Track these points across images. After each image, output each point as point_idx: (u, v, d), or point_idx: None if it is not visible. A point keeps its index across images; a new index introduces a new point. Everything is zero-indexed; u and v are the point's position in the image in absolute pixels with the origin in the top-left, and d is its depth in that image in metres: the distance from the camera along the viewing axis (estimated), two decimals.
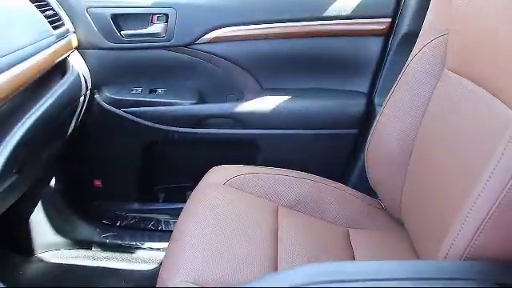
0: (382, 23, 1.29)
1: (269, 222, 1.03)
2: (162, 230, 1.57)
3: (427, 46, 1.02)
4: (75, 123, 1.32)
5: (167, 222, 1.57)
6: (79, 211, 1.55)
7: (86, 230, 1.53)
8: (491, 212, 0.60)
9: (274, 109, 1.37)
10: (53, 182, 1.45)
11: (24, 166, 1.06)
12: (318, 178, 1.18)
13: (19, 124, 1.01)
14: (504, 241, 0.62)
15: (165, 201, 1.61)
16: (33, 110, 1.07)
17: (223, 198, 1.07)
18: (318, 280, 0.61)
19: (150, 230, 1.57)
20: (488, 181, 0.61)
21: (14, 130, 0.99)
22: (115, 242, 1.51)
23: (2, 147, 0.93)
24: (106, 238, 1.52)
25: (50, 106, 1.12)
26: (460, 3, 0.90)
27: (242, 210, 1.04)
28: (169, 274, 0.88)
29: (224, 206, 1.04)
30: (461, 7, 0.90)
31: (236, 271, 0.86)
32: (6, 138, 0.96)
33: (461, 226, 0.64)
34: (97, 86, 1.36)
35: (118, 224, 1.58)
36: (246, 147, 1.44)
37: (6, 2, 1.11)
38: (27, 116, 1.04)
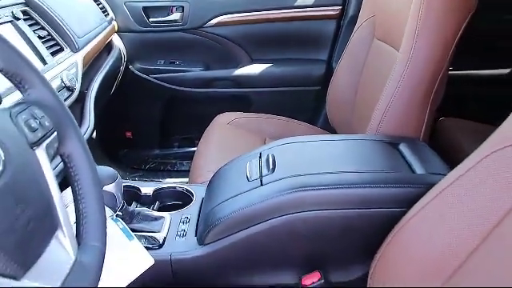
0: (335, 10, 1.74)
1: (257, 146, 1.47)
2: (177, 170, 1.96)
3: (363, 24, 1.47)
4: (115, 86, 1.74)
5: (181, 164, 1.97)
6: (112, 157, 1.91)
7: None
8: (391, 100, 1.05)
9: (260, 73, 1.81)
10: (94, 133, 1.84)
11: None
12: (290, 119, 1.62)
13: (94, 79, 1.42)
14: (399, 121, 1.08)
15: (179, 147, 2.01)
16: (98, 73, 1.48)
17: (226, 133, 1.48)
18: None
19: (168, 170, 1.96)
20: (387, 86, 1.07)
21: (92, 84, 1.40)
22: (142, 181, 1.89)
23: (90, 91, 1.34)
24: (134, 178, 1.89)
25: (106, 72, 1.52)
26: None
27: (239, 140, 1.44)
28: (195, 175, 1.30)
29: (227, 137, 1.45)
30: None
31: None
32: (89, 89, 1.38)
33: (374, 115, 1.09)
34: (131, 59, 1.78)
35: (142, 167, 1.97)
36: (241, 101, 1.85)
37: None
38: (97, 75, 1.45)
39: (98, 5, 1.58)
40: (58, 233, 0.51)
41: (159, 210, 1.03)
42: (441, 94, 1.13)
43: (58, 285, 0.47)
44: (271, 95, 1.83)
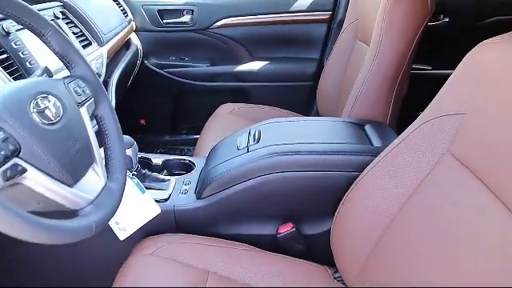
0: (326, 14, 1.94)
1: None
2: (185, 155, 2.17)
3: (347, 28, 1.66)
4: (132, 79, 1.95)
5: (188, 149, 2.17)
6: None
7: None
8: (361, 88, 1.24)
9: (259, 69, 2.02)
10: None
11: None
12: (285, 110, 1.80)
13: (114, 71, 1.64)
14: (368, 107, 1.27)
15: (187, 134, 2.22)
16: (118, 66, 1.70)
17: (228, 120, 1.69)
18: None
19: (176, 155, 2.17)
20: (359, 77, 1.28)
21: (112, 75, 1.62)
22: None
23: (111, 80, 1.56)
24: None
25: (124, 65, 1.74)
26: (361, 2, 1.57)
27: (238, 126, 1.56)
28: (198, 151, 1.51)
29: (228, 124, 1.64)
30: (359, 2, 1.56)
31: None
32: (111, 78, 1.59)
33: (347, 102, 1.29)
34: (146, 55, 2.00)
35: (153, 151, 2.14)
36: (242, 93, 2.05)
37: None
38: (117, 68, 1.67)
39: (119, 7, 1.80)
40: (94, 165, 0.72)
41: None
42: (405, 86, 1.32)
43: (92, 198, 0.68)
44: (269, 89, 2.04)
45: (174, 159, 1.29)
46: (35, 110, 0.62)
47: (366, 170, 0.93)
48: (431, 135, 0.81)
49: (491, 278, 0.60)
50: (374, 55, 1.24)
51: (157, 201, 1.06)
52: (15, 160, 0.56)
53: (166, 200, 1.08)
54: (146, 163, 1.27)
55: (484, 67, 0.74)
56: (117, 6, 1.77)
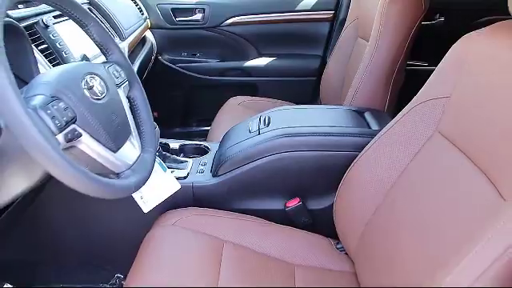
0: (329, 14, 2.06)
1: None
2: None
3: (349, 26, 1.77)
4: (147, 73, 2.05)
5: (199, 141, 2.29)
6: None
7: None
8: (361, 79, 1.36)
9: (265, 65, 2.14)
10: None
11: None
12: (290, 103, 1.92)
13: (134, 62, 1.75)
14: (367, 96, 1.38)
15: (197, 126, 2.33)
16: (135, 61, 1.81)
17: (237, 111, 1.80)
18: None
19: None
20: (359, 69, 1.39)
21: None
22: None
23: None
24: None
25: (140, 60, 1.84)
26: (361, 2, 1.68)
27: (247, 116, 1.69)
28: (211, 137, 1.62)
29: (238, 114, 1.76)
30: (360, 2, 1.67)
31: None
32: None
33: (349, 92, 1.41)
34: (160, 51, 2.11)
35: None
36: (250, 87, 2.16)
37: None
38: (134, 62, 1.78)
39: (136, 5, 1.91)
40: (131, 137, 0.83)
41: None
42: (401, 77, 1.43)
43: (130, 164, 0.79)
44: (275, 83, 2.16)
45: (190, 144, 1.40)
46: (86, 86, 0.74)
47: (364, 150, 1.04)
48: (421, 116, 0.92)
49: (469, 236, 0.65)
50: (373, 50, 1.35)
51: (177, 178, 1.17)
52: (73, 126, 0.67)
53: (184, 178, 1.19)
54: (164, 147, 1.38)
55: (466, 56, 0.85)
56: (134, 5, 1.89)
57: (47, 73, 0.73)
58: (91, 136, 0.70)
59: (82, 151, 0.70)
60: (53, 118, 0.64)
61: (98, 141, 0.72)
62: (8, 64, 0.58)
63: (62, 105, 0.66)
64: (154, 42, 2.05)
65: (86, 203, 1.24)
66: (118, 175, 0.77)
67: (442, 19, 1.95)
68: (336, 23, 2.05)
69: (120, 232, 1.25)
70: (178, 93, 2.21)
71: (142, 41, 1.96)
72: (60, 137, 0.64)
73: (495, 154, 0.69)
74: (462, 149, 0.79)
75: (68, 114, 0.67)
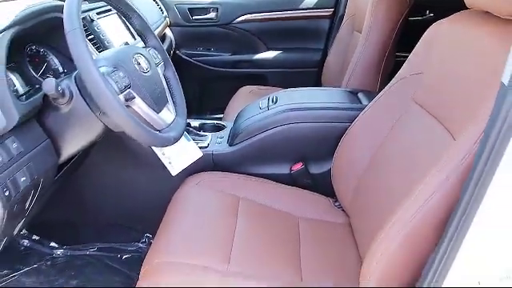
0: (329, 11, 2.24)
1: None
2: None
3: (347, 22, 1.97)
4: None
5: None
6: None
7: None
8: (355, 65, 1.57)
9: (273, 58, 2.33)
10: None
11: None
12: None
13: None
14: (360, 80, 1.58)
15: (210, 114, 2.49)
16: None
17: (248, 98, 1.97)
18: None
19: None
20: (353, 57, 1.59)
21: None
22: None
23: None
24: None
25: None
26: (356, 1, 1.87)
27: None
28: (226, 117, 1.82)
29: (248, 100, 1.93)
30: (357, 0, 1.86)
31: None
32: None
33: (345, 77, 1.61)
34: (178, 46, 2.32)
35: None
36: (258, 78, 2.35)
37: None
38: None
39: (157, 6, 2.12)
40: (168, 104, 1.04)
41: None
42: (391, 64, 1.62)
43: (168, 123, 1.00)
44: (281, 74, 2.35)
45: (208, 122, 1.60)
46: (135, 62, 0.95)
47: (355, 120, 1.24)
48: (401, 90, 1.12)
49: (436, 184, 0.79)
50: (365, 40, 1.55)
51: (199, 147, 1.37)
52: (129, 90, 0.88)
53: (206, 147, 1.39)
54: (187, 124, 1.58)
55: (436, 38, 1.04)
56: (155, 4, 2.10)
57: (106, 52, 0.94)
58: (141, 98, 0.91)
59: (134, 110, 0.91)
60: (116, 82, 0.85)
61: (146, 103, 0.93)
62: (86, 43, 0.79)
63: (121, 74, 0.87)
64: (172, 38, 2.26)
65: (122, 170, 1.44)
66: (159, 131, 0.97)
67: (432, 15, 2.13)
68: (335, 19, 2.22)
69: (150, 194, 1.44)
70: (195, 83, 2.40)
71: (163, 37, 2.16)
72: (121, 97, 0.85)
73: (448, 107, 0.89)
74: (429, 111, 0.98)
75: (125, 80, 0.87)
